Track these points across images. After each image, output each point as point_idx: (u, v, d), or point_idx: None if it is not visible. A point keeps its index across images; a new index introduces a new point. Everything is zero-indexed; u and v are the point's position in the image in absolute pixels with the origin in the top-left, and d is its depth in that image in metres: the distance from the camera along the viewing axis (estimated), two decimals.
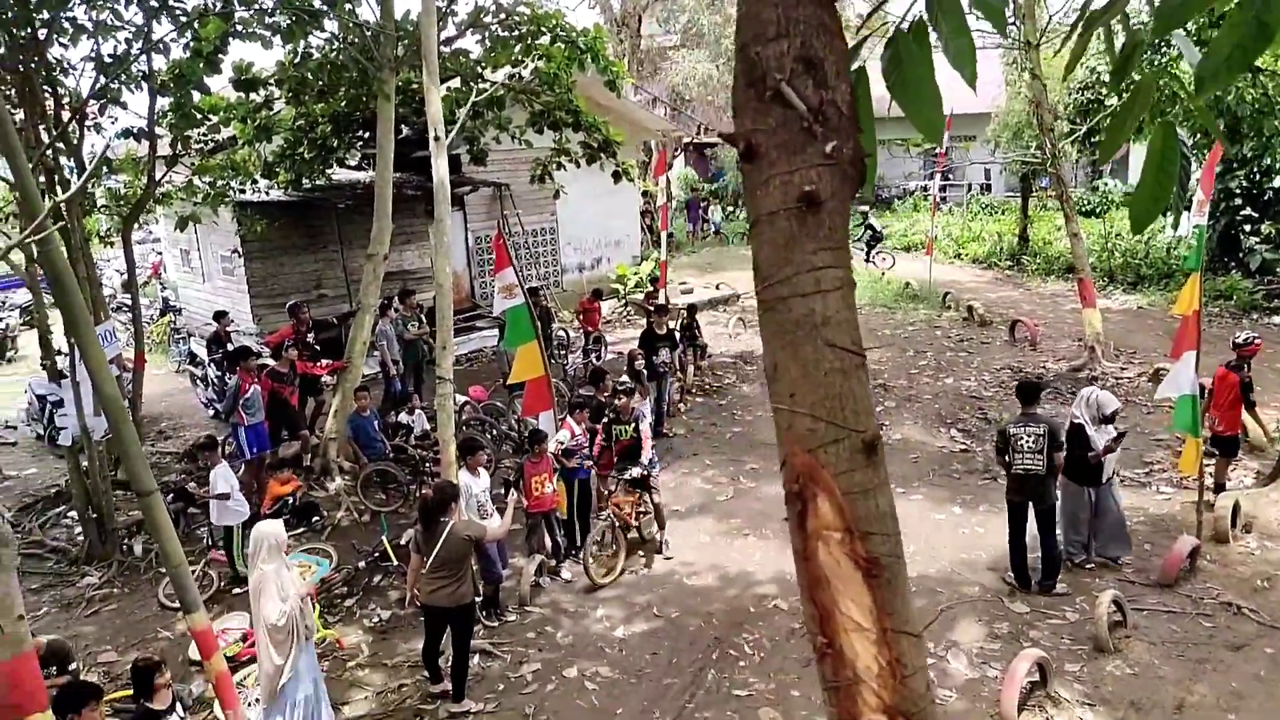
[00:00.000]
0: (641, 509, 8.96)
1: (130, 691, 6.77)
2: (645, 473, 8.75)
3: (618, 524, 8.59)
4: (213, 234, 16.23)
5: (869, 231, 23.15)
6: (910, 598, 2.19)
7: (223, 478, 8.70)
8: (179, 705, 5.59)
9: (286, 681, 5.90)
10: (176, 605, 8.12)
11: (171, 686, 5.60)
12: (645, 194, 24.55)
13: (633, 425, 8.85)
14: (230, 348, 13.31)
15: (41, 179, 9.02)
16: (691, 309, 14.59)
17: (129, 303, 17.11)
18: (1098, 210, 25.64)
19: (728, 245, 29.35)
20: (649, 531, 9.15)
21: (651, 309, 13.44)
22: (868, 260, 22.38)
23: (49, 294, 9.63)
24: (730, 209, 33.57)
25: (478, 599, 7.28)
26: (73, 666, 6.39)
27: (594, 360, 15.01)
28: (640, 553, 8.93)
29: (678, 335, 13.15)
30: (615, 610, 7.91)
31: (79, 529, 9.81)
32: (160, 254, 22.33)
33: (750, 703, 6.54)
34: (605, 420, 9.09)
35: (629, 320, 19.17)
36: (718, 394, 13.94)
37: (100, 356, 5.68)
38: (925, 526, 8.90)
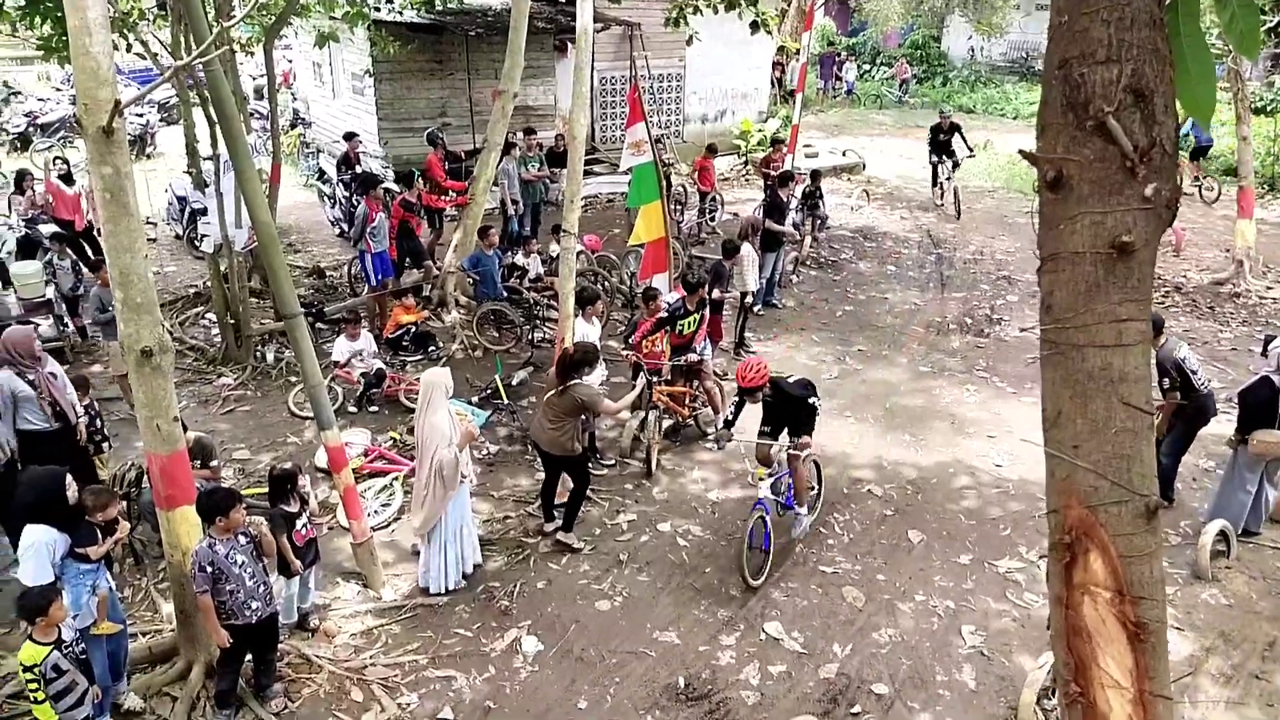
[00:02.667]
0: (694, 398, 8.69)
1: (262, 490, 7.43)
2: (699, 358, 8.43)
3: (656, 412, 8.30)
4: (346, 51, 16.27)
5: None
6: (1168, 662, 2.19)
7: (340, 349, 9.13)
8: (307, 509, 6.09)
9: (447, 518, 6.32)
10: (304, 414, 8.77)
11: (303, 492, 6.10)
12: (780, 48, 23.32)
13: (698, 317, 8.40)
14: (359, 169, 13.63)
15: None
16: (816, 175, 14.11)
17: (261, 110, 17.54)
18: (1269, 108, 23.27)
19: (858, 107, 27.97)
20: (706, 421, 8.80)
21: (771, 174, 13.05)
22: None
23: (195, 100, 9.96)
24: (866, 67, 31.71)
25: (594, 459, 7.48)
26: (214, 463, 6.96)
27: (708, 221, 14.83)
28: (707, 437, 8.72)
29: (797, 202, 12.80)
30: (711, 474, 8.16)
31: (216, 331, 10.49)
32: (291, 62, 22.54)
33: (835, 580, 6.78)
34: (670, 313, 8.37)
35: (746, 180, 18.69)
36: (832, 268, 13.67)
37: (255, 183, 5.92)
38: (1035, 430, 8.73)
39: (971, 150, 16.53)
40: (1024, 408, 9.31)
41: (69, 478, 5.17)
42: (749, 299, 10.36)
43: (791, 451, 6.90)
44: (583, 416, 6.96)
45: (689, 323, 8.34)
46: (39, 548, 4.89)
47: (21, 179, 12.12)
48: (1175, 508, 7.66)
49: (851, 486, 7.99)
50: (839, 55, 30.61)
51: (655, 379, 8.40)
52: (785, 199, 11.79)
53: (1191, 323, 11.78)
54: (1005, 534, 7.36)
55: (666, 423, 8.62)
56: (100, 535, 5.10)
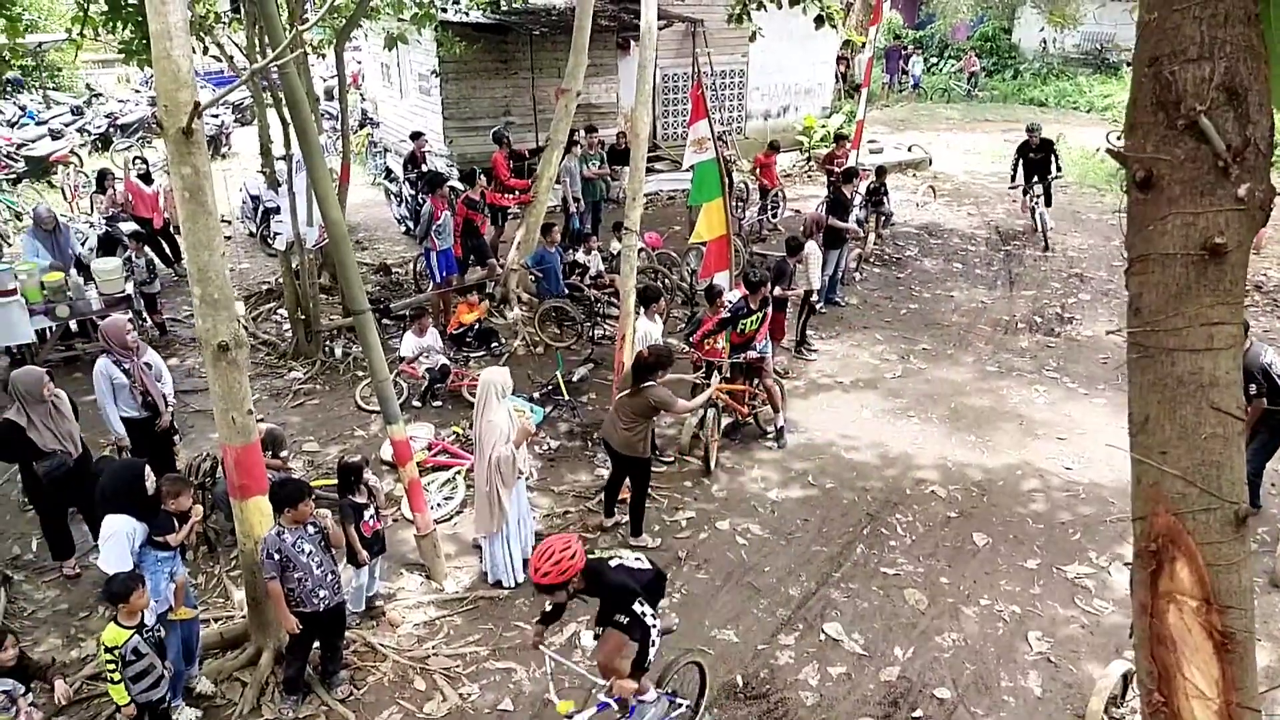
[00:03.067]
0: (754, 396, 8.58)
1: (330, 481, 7.62)
2: (759, 355, 8.32)
3: (715, 410, 8.20)
4: (413, 52, 16.56)
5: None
6: (1255, 673, 2.15)
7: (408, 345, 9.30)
8: (374, 501, 6.23)
9: (509, 512, 6.43)
10: (371, 408, 8.96)
11: (370, 484, 6.24)
12: (846, 42, 23.02)
13: (760, 315, 8.27)
14: (425, 168, 13.87)
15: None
16: (881, 171, 13.90)
17: (330, 110, 17.96)
18: None
19: (925, 101, 27.46)
20: (766, 420, 8.73)
21: (835, 170, 12.89)
22: None
23: (269, 101, 10.24)
24: (934, 60, 31.10)
25: (654, 455, 7.45)
26: (284, 453, 7.16)
27: (769, 218, 14.72)
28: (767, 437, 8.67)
29: (861, 198, 12.63)
30: (771, 473, 8.11)
31: (287, 326, 10.78)
32: (360, 63, 23.04)
33: (896, 581, 6.68)
34: (732, 312, 8.29)
35: (809, 176, 18.51)
36: (897, 265, 13.46)
37: (327, 182, 6.06)
38: (1108, 432, 8.49)
39: (1061, 170, 14.68)
40: (1095, 409, 9.05)
41: (148, 469, 5.38)
42: (812, 297, 10.26)
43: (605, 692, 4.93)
44: (654, 419, 6.98)
45: (751, 321, 8.24)
46: (119, 537, 5.10)
47: (103, 178, 12.62)
48: (1255, 514, 7.38)
49: (915, 488, 7.86)
50: (905, 48, 30.08)
51: (717, 373, 8.39)
52: (849, 196, 11.64)
53: (1272, 322, 11.30)
54: (1075, 539, 7.17)
55: (726, 421, 8.59)
56: (176, 523, 5.30)
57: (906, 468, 8.17)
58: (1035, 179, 14.12)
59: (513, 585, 6.58)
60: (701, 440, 8.26)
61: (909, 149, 19.56)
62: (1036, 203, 14.15)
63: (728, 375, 8.40)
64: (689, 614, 6.33)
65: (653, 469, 7.96)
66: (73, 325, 9.94)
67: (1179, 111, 1.85)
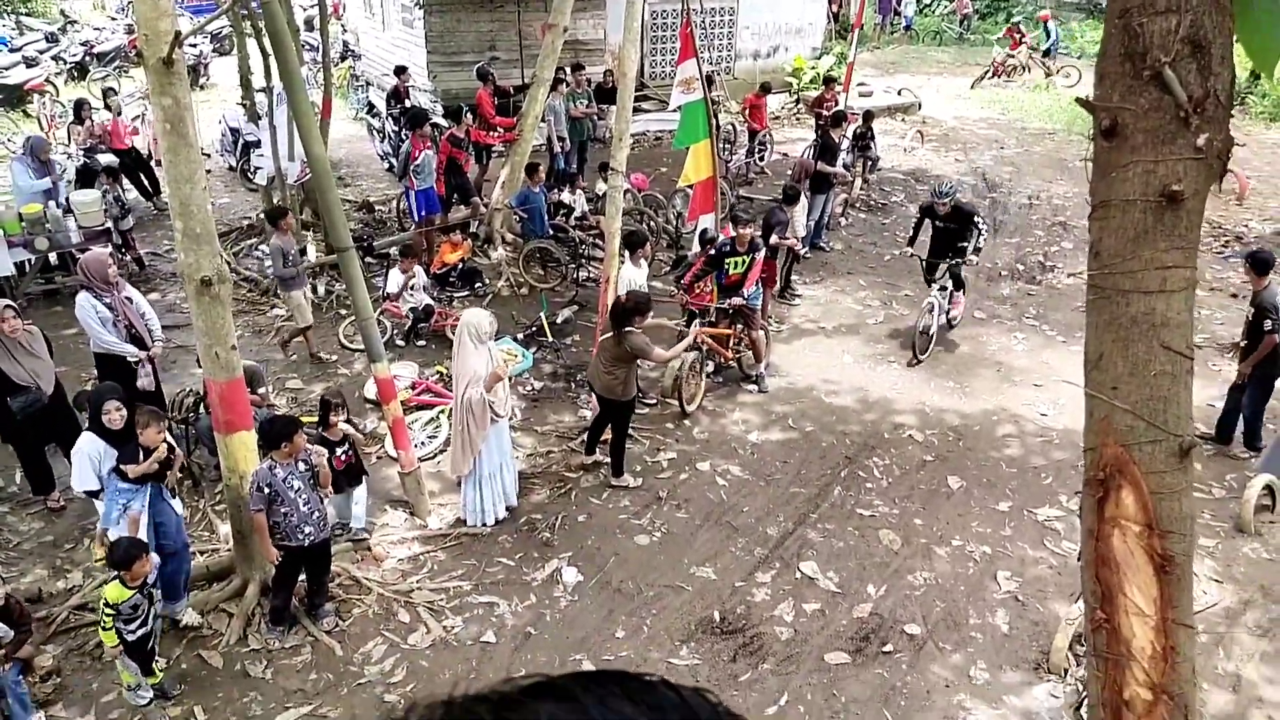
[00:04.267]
0: (739, 341, 8.60)
1: (314, 418, 7.67)
2: (746, 304, 8.31)
3: (701, 353, 8.31)
4: None
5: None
6: (1191, 594, 2.27)
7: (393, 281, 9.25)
8: (348, 439, 6.29)
9: (485, 455, 6.46)
10: (354, 346, 8.97)
11: (345, 422, 6.30)
12: None
13: (748, 258, 8.22)
14: (408, 104, 13.64)
15: None
16: (868, 116, 13.78)
17: (311, 41, 17.56)
18: None
19: (916, 43, 27.09)
20: (749, 365, 8.73)
21: (824, 114, 12.77)
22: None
23: (249, 32, 10.02)
24: (927, 2, 30.60)
25: (637, 399, 7.48)
26: (262, 390, 7.16)
27: (756, 161, 14.62)
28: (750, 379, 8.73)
29: (849, 143, 12.56)
30: (752, 415, 8.21)
31: (269, 262, 10.69)
32: None
33: (872, 523, 6.84)
34: (717, 251, 8.35)
35: (798, 119, 18.33)
36: (882, 211, 13.44)
37: (309, 116, 5.99)
38: (1079, 382, 8.62)
39: (980, 249, 9.50)
40: (1073, 356, 9.15)
41: (111, 402, 5.39)
42: (793, 240, 10.26)
43: None
44: (636, 363, 7.02)
45: (736, 263, 8.24)
46: (81, 456, 5.27)
47: (80, 108, 12.34)
48: (1222, 460, 7.57)
49: (893, 432, 7.99)
50: None
51: (700, 319, 8.42)
52: (837, 140, 11.57)
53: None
54: (1047, 482, 7.34)
55: (710, 364, 8.65)
56: (142, 456, 5.28)
57: (885, 412, 8.29)
58: (944, 255, 9.30)
59: (482, 526, 6.62)
60: (682, 382, 8.33)
61: (899, 93, 19.36)
62: (937, 295, 9.12)
63: (713, 320, 8.44)
64: (669, 551, 6.47)
65: (635, 410, 8.07)
66: (52, 258, 9.83)
67: (1145, 62, 1.91)
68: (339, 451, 6.16)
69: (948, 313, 9.37)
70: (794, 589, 6.16)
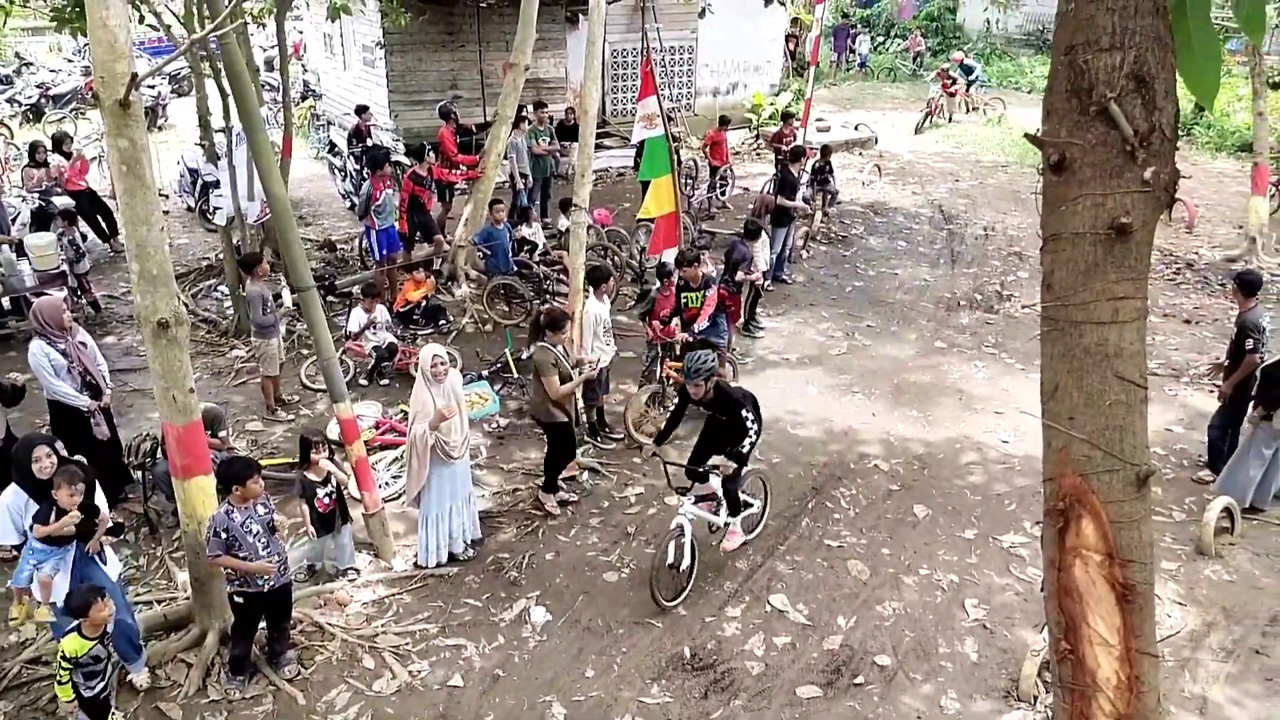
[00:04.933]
0: None
1: (275, 460, 7.55)
2: (711, 339, 8.33)
3: (666, 387, 8.39)
4: (356, 23, 16.20)
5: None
6: (1154, 623, 2.29)
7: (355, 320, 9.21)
8: (332, 478, 6.21)
9: (432, 494, 6.39)
10: (316, 386, 8.87)
11: (328, 459, 6.22)
12: (794, 20, 23.10)
13: (700, 293, 8.32)
14: (370, 143, 13.64)
15: None
16: (826, 150, 14.05)
17: (271, 82, 17.52)
18: None
19: (871, 80, 27.73)
20: None
21: (783, 149, 12.98)
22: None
23: (208, 72, 9.98)
24: (880, 39, 31.37)
25: (579, 421, 7.45)
26: (223, 433, 7.05)
27: (718, 196, 14.78)
28: None
29: (808, 177, 12.77)
30: None
31: (229, 303, 10.57)
32: (301, 33, 22.46)
33: (840, 554, 6.84)
34: (676, 286, 8.50)
35: (758, 154, 18.61)
36: (843, 244, 13.63)
37: (269, 155, 5.97)
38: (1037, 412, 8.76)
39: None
40: (1031, 384, 9.24)
41: (42, 449, 5.23)
42: (756, 275, 10.36)
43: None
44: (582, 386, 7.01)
45: (692, 298, 8.35)
46: (4, 508, 5.13)
47: (35, 150, 12.16)
48: (1181, 483, 7.70)
49: (858, 462, 8.04)
50: (853, 27, 30.28)
51: (664, 353, 8.47)
52: (796, 174, 11.75)
53: (1202, 299, 11.73)
54: (1010, 509, 7.41)
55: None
56: (53, 516, 5.02)
57: (851, 442, 8.34)
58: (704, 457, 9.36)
59: (428, 567, 6.52)
60: (639, 417, 8.34)
61: (855, 128, 19.76)
62: (689, 511, 6.46)
63: (678, 354, 8.47)
64: (638, 588, 6.41)
65: (602, 446, 8.06)
66: (5, 303, 9.61)
67: (1091, 98, 1.96)
68: (321, 493, 6.08)
69: (719, 542, 6.65)
70: (764, 622, 6.14)
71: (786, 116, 15.24)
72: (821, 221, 13.67)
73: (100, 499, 5.32)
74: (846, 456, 8.11)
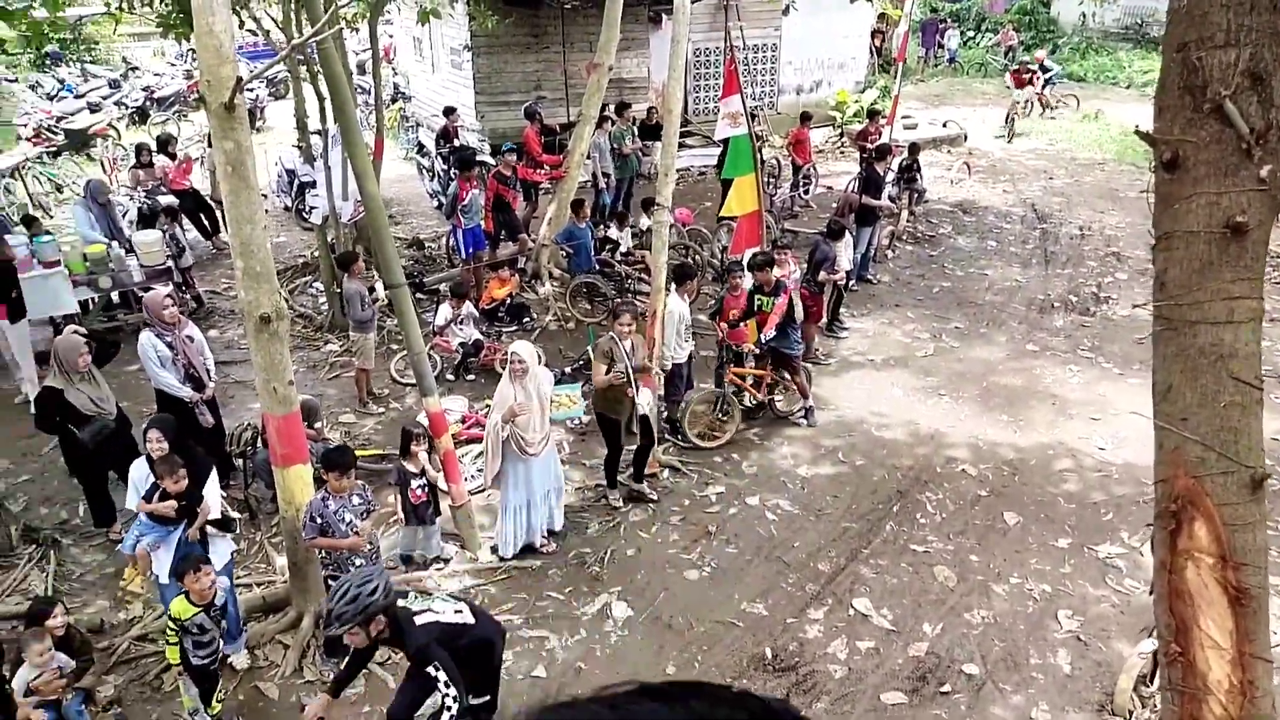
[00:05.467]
0: (774, 382, 8.48)
1: (369, 451, 7.78)
2: (780, 348, 8.16)
3: (731, 392, 8.28)
4: (445, 26, 16.55)
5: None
6: (1269, 627, 2.22)
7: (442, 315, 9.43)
8: (425, 474, 6.39)
9: (509, 487, 6.52)
10: (405, 380, 9.09)
11: (424, 454, 6.40)
12: (881, 15, 22.71)
13: (771, 299, 8.08)
14: (457, 143, 13.93)
15: None
16: (914, 148, 13.75)
17: (364, 84, 18.04)
18: None
19: (961, 76, 27.05)
20: (786, 407, 8.67)
21: (868, 147, 12.77)
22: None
23: (305, 76, 10.34)
24: (971, 34, 30.57)
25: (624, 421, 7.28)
26: (317, 425, 7.29)
27: (800, 195, 14.62)
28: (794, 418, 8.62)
29: (894, 175, 12.54)
30: (802, 450, 8.14)
31: (323, 299, 10.93)
32: (392, 37, 23.08)
33: (926, 559, 6.71)
34: (750, 289, 8.31)
35: (842, 152, 18.34)
36: (930, 243, 13.34)
37: (364, 156, 6.14)
38: (1143, 412, 8.42)
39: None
40: (1131, 389, 8.96)
41: (154, 431, 5.55)
42: (839, 276, 10.21)
43: None
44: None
45: (764, 302, 8.13)
46: (132, 481, 5.48)
47: (140, 152, 12.76)
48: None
49: (945, 466, 7.86)
50: (942, 21, 29.57)
51: (728, 357, 8.41)
52: (882, 173, 11.54)
53: None
54: (1107, 518, 7.15)
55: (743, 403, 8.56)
56: (156, 496, 5.34)
57: (938, 446, 8.16)
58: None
59: (506, 557, 6.64)
60: (705, 421, 8.34)
61: (944, 125, 19.30)
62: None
63: (743, 359, 8.39)
64: (719, 586, 6.41)
65: (681, 444, 8.05)
66: (115, 296, 10.14)
67: (1205, 96, 1.91)
68: (415, 484, 6.27)
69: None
70: (847, 626, 6.06)
71: (872, 114, 14.97)
72: (908, 220, 13.39)
73: (213, 490, 5.60)
74: (933, 460, 7.94)
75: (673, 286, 8.10)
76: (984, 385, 9.21)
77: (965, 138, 18.79)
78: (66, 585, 6.37)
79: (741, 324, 8.33)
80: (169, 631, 4.84)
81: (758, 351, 8.27)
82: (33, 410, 6.79)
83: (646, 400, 7.12)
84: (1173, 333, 2.15)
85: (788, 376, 8.40)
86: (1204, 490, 2.16)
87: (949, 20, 30.33)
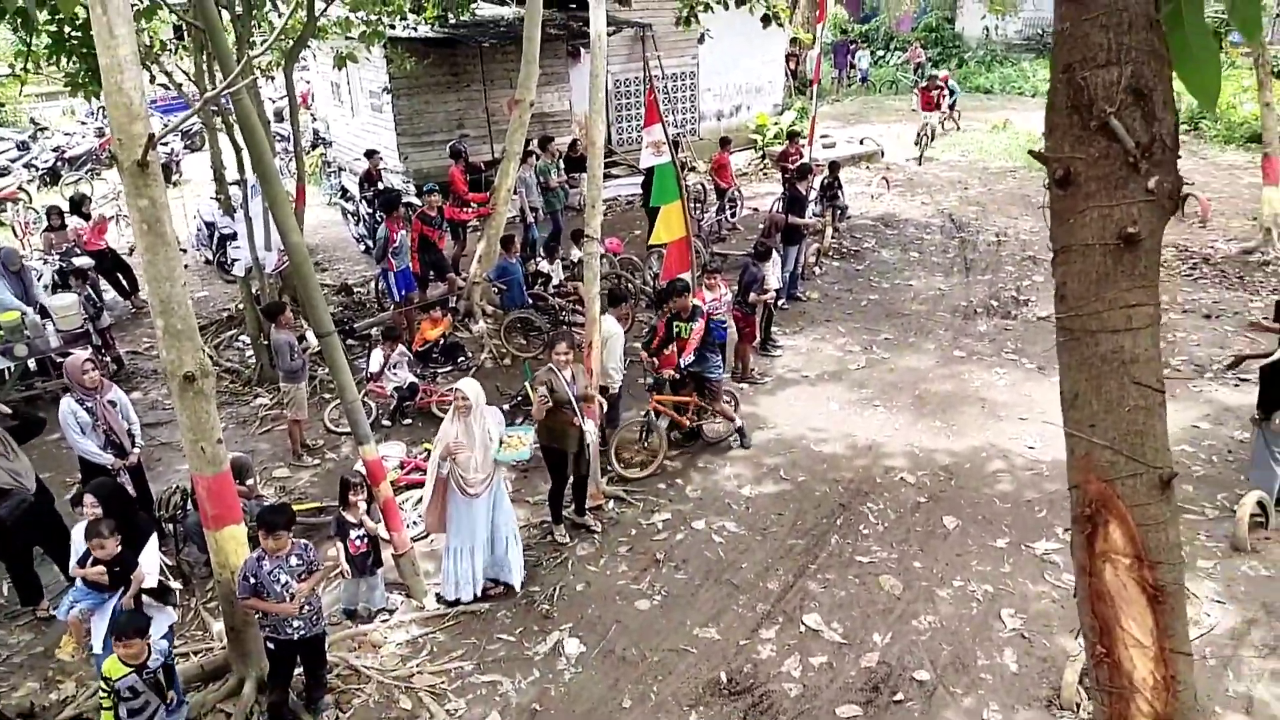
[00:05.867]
0: (700, 408, 8.48)
1: (307, 505, 7.62)
2: (701, 373, 8.24)
3: (655, 419, 8.26)
4: (363, 70, 16.49)
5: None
6: (1186, 622, 2.30)
7: (374, 360, 9.33)
8: (366, 521, 6.28)
9: (454, 527, 6.47)
10: (340, 429, 8.94)
11: (362, 504, 6.29)
12: (793, 40, 23.30)
13: (689, 325, 8.13)
14: (381, 186, 13.83)
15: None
16: (834, 166, 14.11)
17: (282, 132, 17.83)
18: None
19: (874, 94, 27.87)
20: (717, 433, 8.71)
21: (790, 168, 13.05)
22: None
23: (221, 126, 10.19)
24: (880, 53, 31.55)
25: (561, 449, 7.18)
26: (250, 481, 7.11)
27: (727, 218, 14.84)
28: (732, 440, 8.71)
29: (816, 193, 12.83)
30: (744, 470, 8.20)
31: (250, 352, 10.70)
32: (309, 83, 22.87)
33: (871, 569, 6.80)
34: (667, 317, 8.39)
35: (765, 174, 18.70)
36: (855, 258, 13.65)
37: (286, 205, 6.08)
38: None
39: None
40: (1054, 388, 9.16)
41: (89, 496, 5.58)
42: (769, 296, 10.37)
43: None
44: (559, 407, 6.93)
45: (683, 329, 8.17)
46: (74, 545, 5.46)
47: (51, 215, 12.39)
48: (1210, 481, 7.61)
49: (884, 475, 8.00)
50: (852, 42, 30.48)
51: (655, 386, 8.49)
52: (804, 191, 11.80)
53: (1220, 293, 11.64)
54: (1041, 515, 7.35)
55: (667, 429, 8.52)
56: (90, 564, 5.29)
57: (876, 456, 8.31)
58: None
59: (463, 600, 6.53)
60: (634, 448, 8.38)
61: (861, 142, 19.84)
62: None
63: (661, 383, 8.44)
64: (670, 614, 6.40)
65: (627, 474, 8.05)
66: (32, 364, 9.79)
67: (1091, 114, 2.01)
68: (354, 535, 6.17)
69: None
70: (799, 643, 6.10)
71: (792, 135, 15.32)
72: (833, 237, 13.70)
73: (151, 557, 5.48)
74: (872, 471, 8.08)
75: (608, 310, 8.12)
76: (916, 393, 9.42)
77: (882, 153, 19.33)
78: None
79: (664, 350, 8.39)
80: (101, 694, 4.70)
81: (677, 377, 8.29)
82: None
83: (591, 429, 7.13)
84: (1075, 342, 2.24)
85: (711, 402, 8.40)
86: (1115, 493, 2.24)
87: (859, 41, 31.28)
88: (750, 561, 6.96)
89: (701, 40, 18.04)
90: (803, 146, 14.61)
